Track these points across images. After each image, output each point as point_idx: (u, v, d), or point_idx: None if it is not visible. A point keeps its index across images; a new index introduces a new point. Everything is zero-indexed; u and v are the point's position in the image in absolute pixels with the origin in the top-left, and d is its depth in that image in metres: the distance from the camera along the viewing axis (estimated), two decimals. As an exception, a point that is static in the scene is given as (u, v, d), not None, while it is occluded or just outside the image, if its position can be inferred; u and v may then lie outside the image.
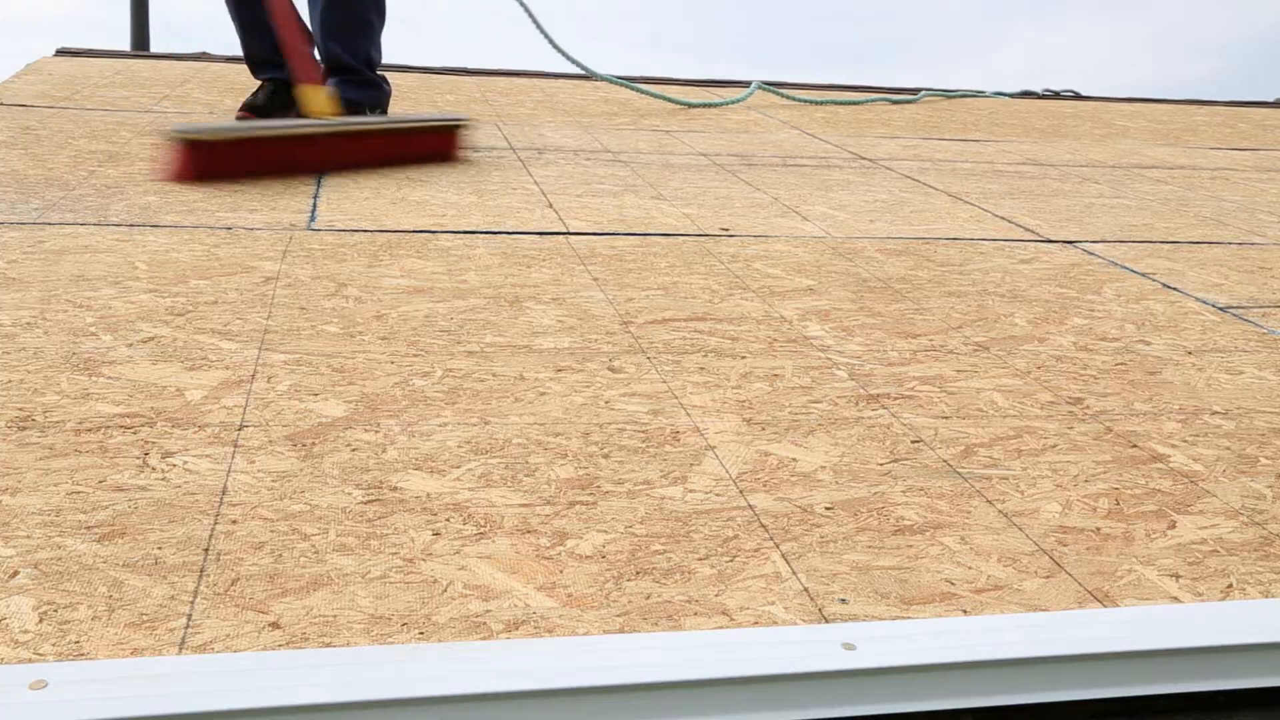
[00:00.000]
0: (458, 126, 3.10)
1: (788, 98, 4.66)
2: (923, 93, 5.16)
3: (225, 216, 2.26)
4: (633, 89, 4.44)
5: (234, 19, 3.28)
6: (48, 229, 2.09)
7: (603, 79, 4.42)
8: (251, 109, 3.25)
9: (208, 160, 2.56)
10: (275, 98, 3.26)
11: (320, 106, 2.82)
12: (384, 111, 3.35)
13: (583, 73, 4.35)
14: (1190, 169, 3.66)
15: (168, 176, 2.54)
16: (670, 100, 4.38)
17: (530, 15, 4.09)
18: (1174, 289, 2.15)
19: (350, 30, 3.21)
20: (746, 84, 4.91)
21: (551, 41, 4.16)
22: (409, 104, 3.97)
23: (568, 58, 4.21)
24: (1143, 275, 2.24)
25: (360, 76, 3.23)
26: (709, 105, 4.39)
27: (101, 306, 1.69)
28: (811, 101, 4.69)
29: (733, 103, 4.44)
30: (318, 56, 3.13)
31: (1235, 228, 2.76)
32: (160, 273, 1.87)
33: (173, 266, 1.91)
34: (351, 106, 3.09)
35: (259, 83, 3.33)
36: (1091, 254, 2.40)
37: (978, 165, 3.47)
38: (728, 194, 2.80)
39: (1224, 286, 2.19)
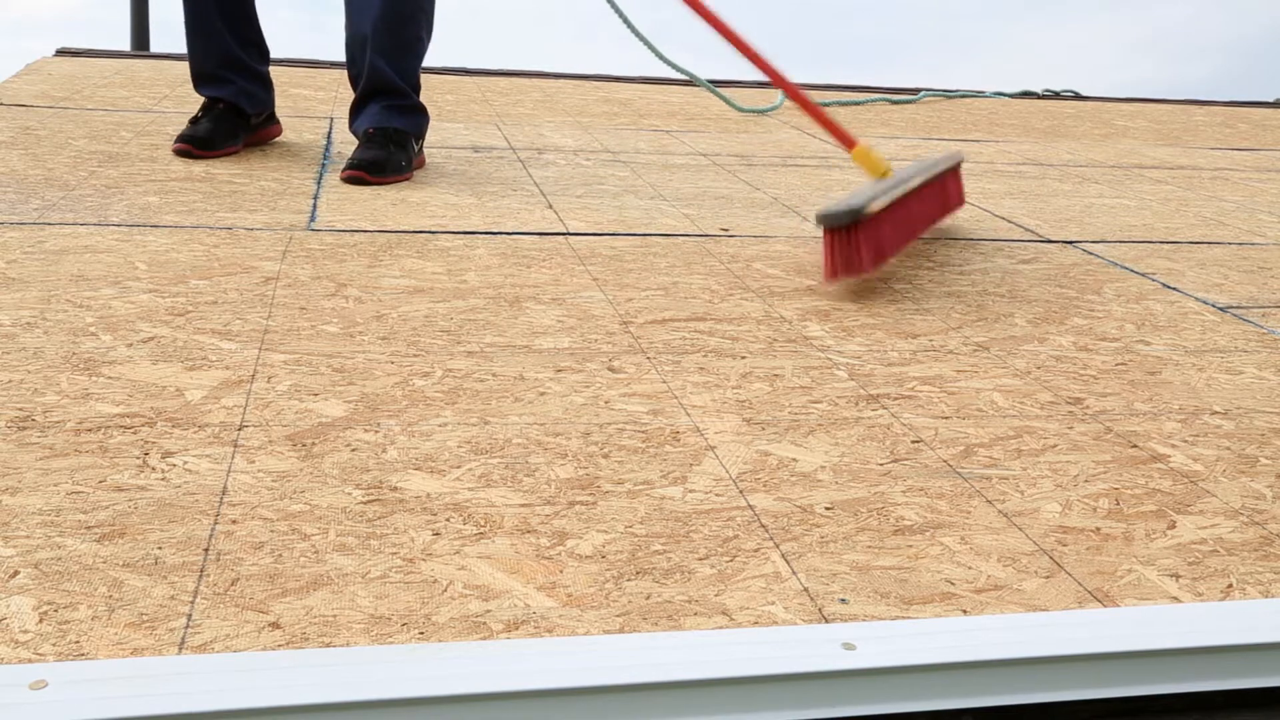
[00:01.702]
0: (958, 166, 2.63)
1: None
2: (923, 93, 5.16)
3: (225, 216, 2.26)
4: (719, 95, 4.44)
5: (185, 15, 2.82)
6: (48, 229, 2.09)
7: (700, 83, 4.43)
8: (191, 141, 2.78)
9: (866, 245, 1.97)
10: (221, 127, 2.82)
11: (880, 167, 2.27)
12: (423, 141, 2.88)
13: (684, 77, 4.34)
14: (1190, 169, 3.66)
15: (827, 275, 1.99)
16: (734, 105, 4.40)
17: (623, 18, 3.98)
18: (1174, 289, 2.15)
19: (401, 48, 2.75)
20: (748, 83, 4.91)
21: (647, 43, 4.10)
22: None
23: (666, 61, 4.18)
24: (1143, 275, 2.24)
25: (407, 101, 2.79)
26: (759, 111, 4.41)
27: (101, 306, 1.69)
28: (824, 104, 4.68)
29: (771, 110, 4.46)
30: (354, 74, 2.77)
31: (1235, 228, 2.76)
32: (160, 273, 1.87)
33: (173, 266, 1.91)
34: (396, 137, 2.73)
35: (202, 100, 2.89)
36: (1091, 254, 2.40)
37: (978, 165, 3.47)
38: (728, 194, 2.80)
39: (1224, 286, 2.19)
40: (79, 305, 1.69)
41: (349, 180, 2.65)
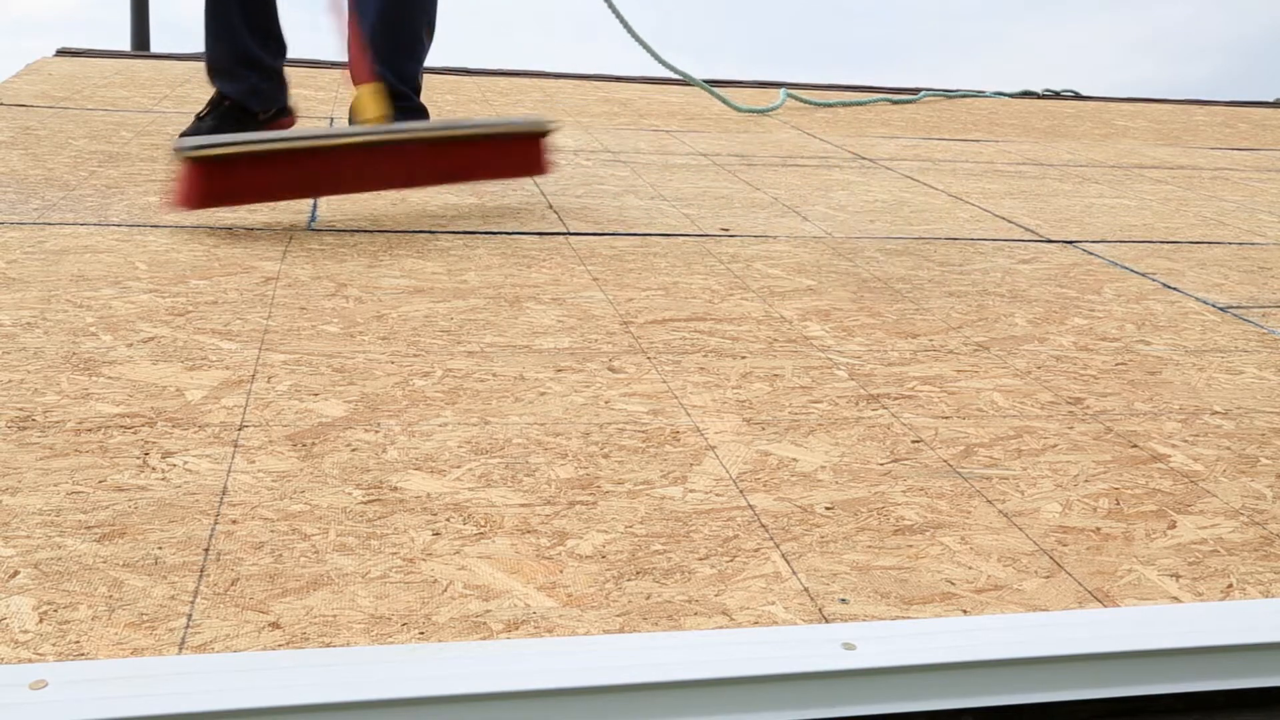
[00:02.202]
0: (540, 133, 2.55)
1: (806, 101, 4.64)
2: (923, 93, 5.16)
3: (225, 216, 2.26)
4: (717, 95, 4.44)
5: (206, 10, 2.78)
6: (48, 229, 2.09)
7: (696, 83, 4.43)
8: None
9: (223, 181, 2.16)
10: (225, 126, 2.76)
11: (374, 112, 2.37)
12: None
13: (678, 76, 4.35)
14: (1190, 169, 3.66)
15: (177, 201, 2.14)
16: (732, 106, 4.40)
17: (619, 16, 3.96)
18: (1174, 289, 2.15)
19: (402, 51, 2.77)
20: (750, 83, 4.91)
21: (644, 45, 4.09)
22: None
23: (662, 62, 4.19)
24: (1143, 275, 2.24)
25: (407, 103, 2.78)
26: (759, 111, 4.42)
27: (101, 306, 1.69)
28: (826, 104, 4.68)
29: (771, 110, 4.47)
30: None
31: (1235, 228, 2.76)
32: (160, 273, 1.87)
33: (173, 266, 1.91)
34: None
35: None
36: (1091, 254, 2.40)
37: (978, 165, 3.47)
38: (728, 194, 2.80)
39: (1224, 286, 2.19)
40: (79, 305, 1.69)
41: None
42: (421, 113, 2.84)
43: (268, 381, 1.45)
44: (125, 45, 7.35)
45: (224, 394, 1.40)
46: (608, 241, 2.27)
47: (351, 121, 2.48)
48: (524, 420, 1.38)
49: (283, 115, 2.96)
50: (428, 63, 2.84)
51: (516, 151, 2.53)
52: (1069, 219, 2.74)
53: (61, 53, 4.71)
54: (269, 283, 1.85)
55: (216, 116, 2.77)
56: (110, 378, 1.43)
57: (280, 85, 2.89)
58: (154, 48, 7.48)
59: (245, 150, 2.21)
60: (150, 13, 7.46)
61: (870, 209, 2.73)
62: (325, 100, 3.81)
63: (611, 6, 3.86)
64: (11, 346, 1.51)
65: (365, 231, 2.22)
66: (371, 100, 2.37)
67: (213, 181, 2.13)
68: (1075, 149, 3.94)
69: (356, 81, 2.45)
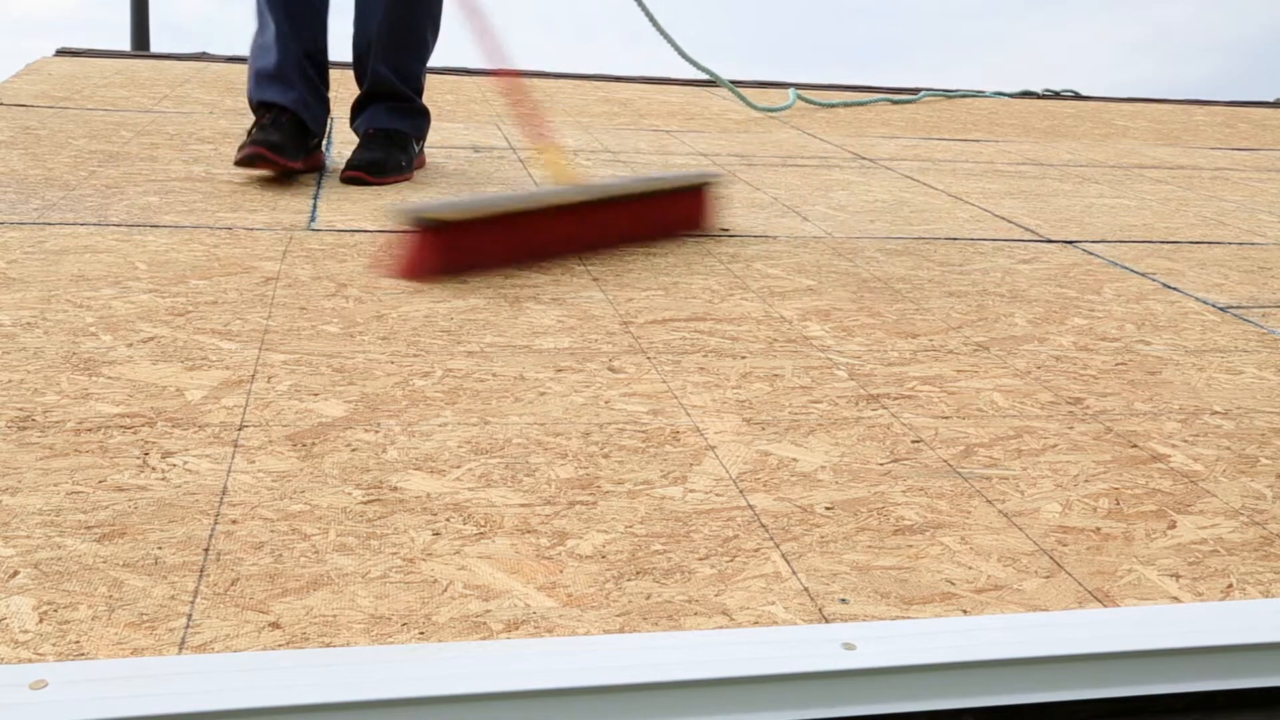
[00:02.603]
0: (706, 186, 2.39)
1: (811, 102, 4.63)
2: (923, 93, 5.17)
3: (225, 217, 2.26)
4: (740, 96, 4.45)
5: (263, 22, 2.63)
6: (48, 229, 2.09)
7: (723, 83, 4.44)
8: (266, 145, 2.50)
9: (457, 247, 1.96)
10: (290, 135, 2.57)
11: (567, 171, 2.24)
12: (423, 142, 2.84)
13: (707, 77, 4.36)
14: (1190, 169, 3.66)
15: (404, 272, 1.92)
16: (752, 105, 4.41)
17: (650, 17, 3.94)
18: (1174, 289, 2.15)
19: (405, 51, 2.71)
20: (750, 83, 4.91)
21: (672, 42, 4.09)
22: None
23: (690, 60, 4.19)
24: (1143, 275, 2.24)
25: (410, 105, 2.76)
26: (771, 111, 4.43)
27: (101, 306, 1.69)
28: (830, 104, 4.68)
29: (783, 109, 4.48)
30: (358, 74, 2.74)
31: (1235, 228, 2.76)
32: (160, 273, 1.87)
33: (173, 266, 1.91)
34: (396, 139, 2.69)
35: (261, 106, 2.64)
36: (1091, 254, 2.40)
37: (978, 165, 3.47)
38: (728, 194, 2.80)
39: (1224, 286, 2.19)
40: (79, 305, 1.69)
41: (348, 181, 2.62)
42: (423, 115, 2.82)
43: (268, 381, 1.45)
44: (125, 45, 7.35)
45: (224, 394, 1.40)
46: (608, 241, 2.27)
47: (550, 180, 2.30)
48: (524, 420, 1.38)
49: (320, 150, 2.78)
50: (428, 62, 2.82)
51: (697, 205, 2.37)
52: (1069, 219, 2.74)
53: (61, 53, 4.71)
54: (269, 283, 1.85)
55: (280, 126, 2.56)
56: (110, 378, 1.43)
57: (326, 113, 2.74)
58: (154, 48, 7.49)
59: (485, 214, 2.02)
60: (150, 13, 7.47)
61: (870, 209, 2.73)
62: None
63: (642, 6, 3.87)
64: (11, 346, 1.51)
65: (365, 231, 2.22)
66: (560, 157, 2.26)
67: (449, 250, 1.94)
68: (1075, 149, 3.94)
69: (536, 141, 2.30)
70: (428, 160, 2.94)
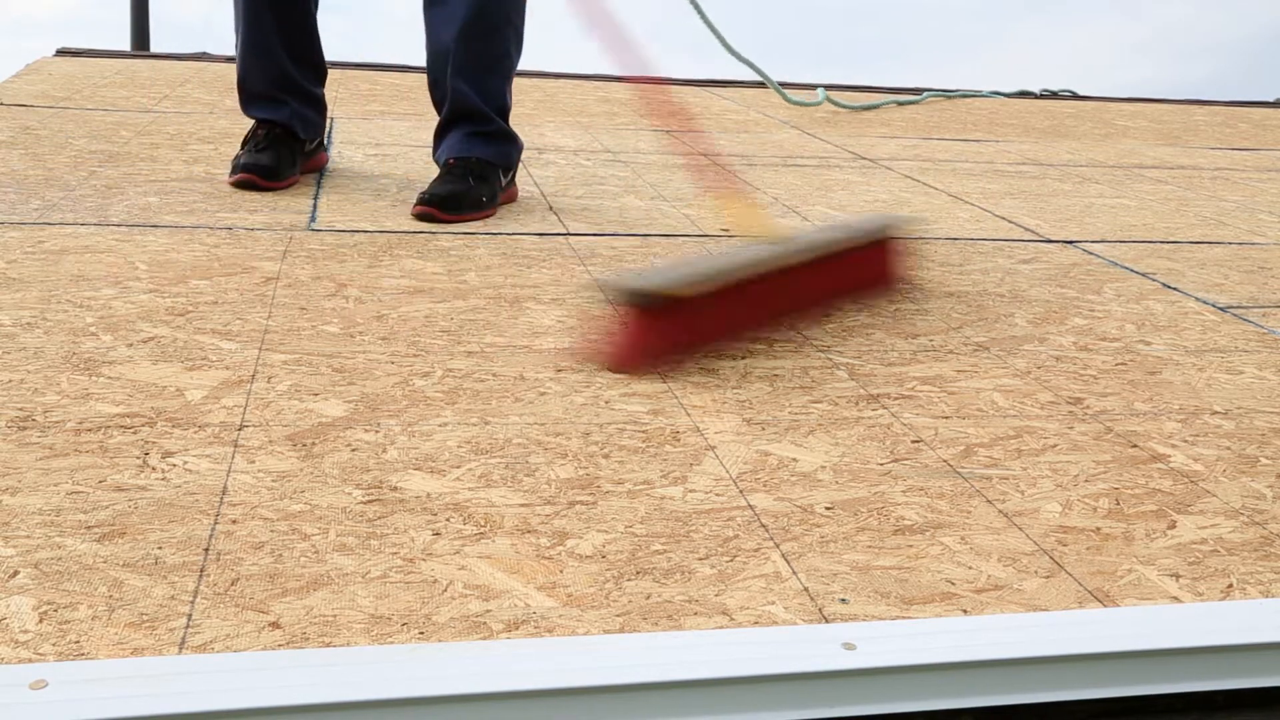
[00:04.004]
0: (898, 236, 2.07)
1: (842, 105, 4.62)
2: (925, 93, 5.17)
3: (225, 217, 2.26)
4: (780, 91, 4.47)
5: (239, 30, 2.51)
6: (48, 229, 2.09)
7: (770, 82, 4.46)
8: (256, 170, 2.44)
9: (683, 326, 1.62)
10: (282, 153, 2.49)
11: (764, 225, 1.89)
12: (513, 172, 2.53)
13: (760, 79, 4.39)
14: (1190, 169, 3.66)
15: (619, 361, 1.57)
16: (788, 99, 4.44)
17: (705, 19, 3.90)
18: (1174, 289, 2.15)
19: (486, 66, 2.43)
20: (754, 84, 4.91)
21: (725, 44, 4.09)
22: (407, 103, 3.96)
23: (745, 62, 4.20)
24: (1143, 275, 2.24)
25: (492, 127, 2.46)
26: (804, 104, 4.47)
27: (101, 306, 1.69)
28: (857, 107, 4.67)
29: (815, 104, 4.52)
30: (437, 97, 2.49)
31: (1235, 228, 2.76)
32: (160, 273, 1.87)
33: (173, 266, 1.91)
34: (478, 169, 2.41)
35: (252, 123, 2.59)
36: (1091, 254, 2.40)
37: (978, 165, 3.47)
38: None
39: (1224, 286, 2.19)
40: (79, 305, 1.69)
41: (419, 217, 2.32)
42: (510, 140, 2.51)
43: (268, 381, 1.45)
44: (125, 45, 7.35)
45: (224, 394, 1.40)
46: (608, 242, 2.27)
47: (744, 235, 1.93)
48: (524, 420, 1.38)
49: (321, 149, 2.71)
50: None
51: (891, 258, 2.05)
52: (1069, 219, 2.74)
53: (61, 53, 4.71)
54: (269, 283, 1.85)
55: (271, 144, 2.49)
56: (110, 378, 1.43)
57: (321, 113, 2.64)
58: (154, 48, 7.49)
59: (714, 285, 1.66)
60: (150, 13, 7.47)
61: (870, 209, 2.73)
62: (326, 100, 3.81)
63: (695, 5, 3.82)
64: (11, 346, 1.51)
65: (365, 232, 2.22)
66: (754, 210, 1.98)
67: (670, 331, 1.60)
68: (1075, 149, 3.94)
69: (716, 192, 1.95)
70: (519, 193, 2.61)
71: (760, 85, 4.81)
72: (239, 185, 2.47)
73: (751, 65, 4.35)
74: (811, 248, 1.86)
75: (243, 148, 2.56)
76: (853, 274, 1.95)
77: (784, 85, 4.69)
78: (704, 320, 1.64)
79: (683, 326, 1.61)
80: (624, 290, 1.62)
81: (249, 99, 2.58)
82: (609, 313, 1.75)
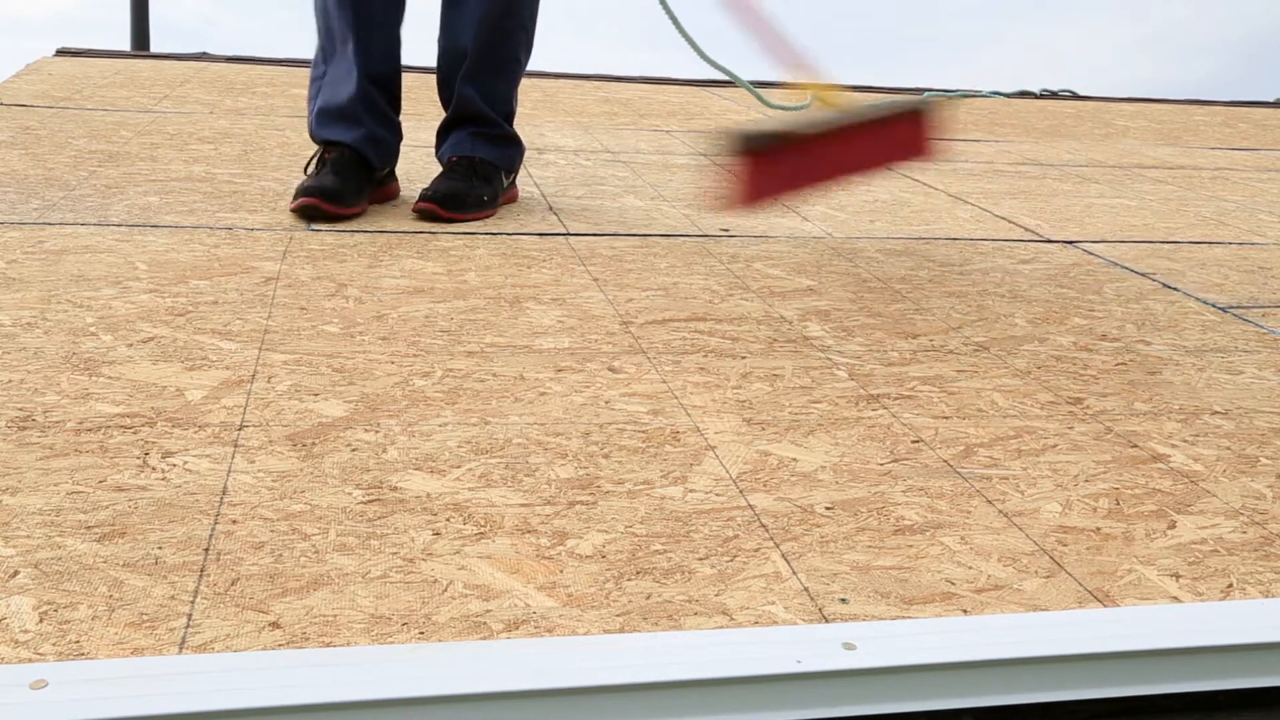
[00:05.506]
0: (932, 113, 2.38)
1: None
2: (927, 94, 5.17)
3: (226, 217, 2.26)
4: (756, 95, 4.46)
5: (327, 51, 2.41)
6: (48, 229, 2.09)
7: (743, 84, 4.44)
8: (320, 195, 2.27)
9: (779, 171, 2.05)
10: (348, 178, 2.34)
11: (837, 96, 2.24)
12: (515, 175, 2.56)
13: (726, 78, 4.37)
14: (1190, 169, 3.66)
15: (737, 199, 2.03)
16: (768, 104, 4.43)
17: (673, 18, 3.91)
18: (1174, 289, 2.15)
19: (493, 71, 2.45)
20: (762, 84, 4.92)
21: (693, 44, 4.08)
22: (407, 103, 3.95)
23: (712, 63, 4.19)
24: (1143, 275, 2.24)
25: (496, 130, 2.48)
26: (786, 108, 4.44)
27: (101, 306, 1.69)
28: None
29: (800, 108, 4.49)
30: (444, 97, 2.50)
31: (1235, 228, 2.76)
32: (160, 273, 1.87)
33: (173, 266, 1.91)
34: (480, 169, 2.43)
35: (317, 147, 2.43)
36: (1091, 254, 2.40)
37: (978, 165, 3.47)
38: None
39: (1224, 286, 2.19)
40: (79, 305, 1.69)
41: (421, 214, 2.34)
42: (514, 144, 2.52)
43: (268, 381, 1.45)
44: (125, 45, 7.35)
45: (224, 394, 1.40)
46: (608, 242, 2.27)
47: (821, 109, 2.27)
48: (524, 420, 1.38)
49: (392, 179, 2.55)
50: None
51: (928, 129, 2.35)
52: (1069, 219, 2.74)
53: (61, 53, 4.71)
54: (269, 283, 1.85)
55: (336, 168, 2.34)
56: (110, 378, 1.43)
57: (397, 139, 2.50)
58: (154, 48, 7.49)
59: (804, 135, 2.09)
60: (150, 13, 7.46)
61: (870, 209, 2.73)
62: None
63: (665, 6, 3.83)
64: (11, 346, 1.51)
65: (365, 232, 2.22)
66: (828, 88, 2.25)
67: (775, 174, 2.04)
68: (1075, 149, 3.94)
69: (791, 69, 2.27)
70: (520, 193, 2.62)
71: (764, 85, 4.81)
72: (300, 211, 2.28)
73: (726, 71, 4.33)
74: (874, 112, 2.26)
75: (305, 172, 2.45)
76: (903, 139, 2.31)
77: (779, 85, 4.69)
78: (802, 165, 2.06)
79: (787, 169, 2.03)
80: (738, 138, 1.99)
81: (324, 117, 2.42)
82: (727, 165, 2.04)
